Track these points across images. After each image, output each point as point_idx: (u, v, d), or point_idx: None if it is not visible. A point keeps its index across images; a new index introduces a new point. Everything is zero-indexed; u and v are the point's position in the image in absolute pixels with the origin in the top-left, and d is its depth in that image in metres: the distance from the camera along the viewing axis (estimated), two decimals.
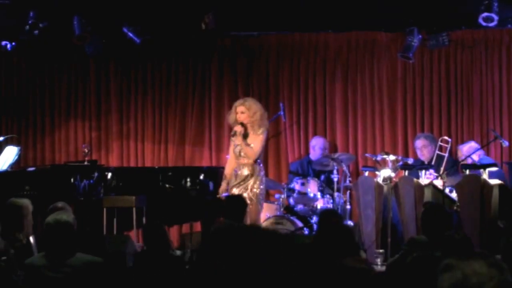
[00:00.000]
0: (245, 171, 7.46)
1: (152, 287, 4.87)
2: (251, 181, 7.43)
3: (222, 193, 7.61)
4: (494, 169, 7.62)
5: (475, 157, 8.21)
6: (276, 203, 8.53)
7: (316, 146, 9.05)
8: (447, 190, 7.50)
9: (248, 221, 7.57)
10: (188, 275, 4.86)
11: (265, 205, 8.42)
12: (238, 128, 7.48)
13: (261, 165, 7.61)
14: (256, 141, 7.47)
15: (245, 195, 7.30)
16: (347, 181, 8.48)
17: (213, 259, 4.54)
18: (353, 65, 9.48)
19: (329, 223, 4.97)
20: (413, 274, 3.63)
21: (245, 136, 7.49)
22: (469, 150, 8.31)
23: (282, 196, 8.47)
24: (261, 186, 7.50)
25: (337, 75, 9.47)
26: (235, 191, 7.39)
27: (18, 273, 4.67)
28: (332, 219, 5.05)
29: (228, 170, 7.67)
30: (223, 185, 7.68)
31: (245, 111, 7.50)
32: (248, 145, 7.45)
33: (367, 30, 9.34)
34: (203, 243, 5.97)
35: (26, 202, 5.82)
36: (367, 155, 8.97)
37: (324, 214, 5.52)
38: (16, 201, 5.83)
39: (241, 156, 7.50)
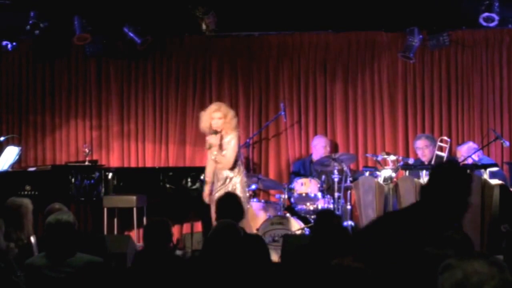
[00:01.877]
0: (224, 174, 7.39)
1: (151, 285, 4.86)
2: (230, 184, 7.36)
3: (207, 198, 7.51)
4: (494, 169, 7.62)
5: (475, 158, 8.20)
6: (277, 203, 8.52)
7: (318, 145, 9.05)
8: None
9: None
10: (188, 274, 4.87)
11: (265, 205, 8.42)
12: (214, 140, 7.41)
13: (241, 165, 7.50)
14: (229, 148, 7.36)
15: None
16: (348, 181, 8.48)
17: (214, 258, 4.55)
18: (354, 65, 9.48)
19: (325, 223, 4.97)
20: (419, 271, 3.63)
21: (220, 146, 7.41)
22: (468, 151, 8.31)
23: (283, 196, 8.47)
24: (242, 188, 7.37)
25: (338, 75, 9.48)
26: (220, 193, 7.30)
27: (18, 273, 4.67)
28: (328, 219, 5.04)
29: (209, 174, 7.55)
30: (207, 190, 7.55)
31: (222, 117, 7.38)
32: (222, 155, 7.36)
33: (368, 30, 9.34)
34: (205, 243, 5.95)
35: (25, 201, 5.83)
36: (367, 155, 8.98)
37: (320, 214, 5.52)
38: (15, 200, 5.84)
39: (218, 162, 7.45)
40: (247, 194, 7.73)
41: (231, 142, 7.35)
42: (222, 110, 7.42)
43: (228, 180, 7.35)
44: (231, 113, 7.46)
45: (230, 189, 7.25)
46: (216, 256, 4.61)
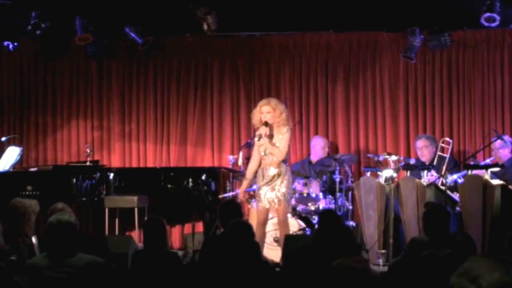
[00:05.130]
0: (271, 171, 7.34)
1: (150, 285, 4.87)
2: (278, 181, 7.32)
3: (242, 194, 7.46)
4: (496, 169, 7.61)
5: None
6: None
7: (316, 146, 9.07)
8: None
9: (277, 220, 7.58)
10: (186, 273, 4.87)
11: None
12: (263, 130, 7.32)
13: (287, 164, 7.50)
14: (282, 141, 7.33)
15: (272, 195, 7.29)
16: (349, 182, 8.48)
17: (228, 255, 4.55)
18: (355, 66, 9.47)
19: (327, 223, 4.96)
20: (422, 272, 3.63)
21: (270, 136, 7.34)
22: None
23: (292, 196, 8.45)
24: (289, 186, 7.40)
25: (339, 76, 9.48)
26: (264, 190, 7.32)
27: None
28: (330, 219, 5.03)
29: (250, 171, 7.51)
30: (245, 184, 7.54)
31: (270, 111, 7.34)
32: (274, 145, 7.32)
33: (369, 30, 9.33)
34: (205, 243, 5.96)
35: (26, 203, 5.81)
36: (369, 155, 8.97)
37: (323, 214, 5.52)
38: (17, 202, 5.83)
39: (266, 156, 7.38)
40: (292, 193, 7.76)
41: (285, 135, 7.34)
42: (271, 104, 7.42)
43: (276, 177, 7.32)
44: (280, 107, 7.45)
45: (278, 186, 7.29)
46: (231, 254, 4.61)
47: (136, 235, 8.78)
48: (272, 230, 7.96)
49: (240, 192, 7.57)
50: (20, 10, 8.74)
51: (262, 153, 7.39)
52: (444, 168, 8.06)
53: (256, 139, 7.40)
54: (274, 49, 9.65)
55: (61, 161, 9.68)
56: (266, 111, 7.37)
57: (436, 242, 5.01)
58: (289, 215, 8.25)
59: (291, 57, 9.62)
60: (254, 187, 8.53)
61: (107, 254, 5.79)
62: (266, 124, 7.32)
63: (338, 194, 8.36)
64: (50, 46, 9.65)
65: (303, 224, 8.11)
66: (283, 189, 7.30)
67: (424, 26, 8.96)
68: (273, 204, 7.32)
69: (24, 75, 10.01)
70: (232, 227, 4.88)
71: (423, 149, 8.48)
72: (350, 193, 8.63)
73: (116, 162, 9.71)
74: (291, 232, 7.77)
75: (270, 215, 8.19)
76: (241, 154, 8.46)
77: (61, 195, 7.70)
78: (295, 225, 8.05)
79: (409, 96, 9.31)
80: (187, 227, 9.52)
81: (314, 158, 9.04)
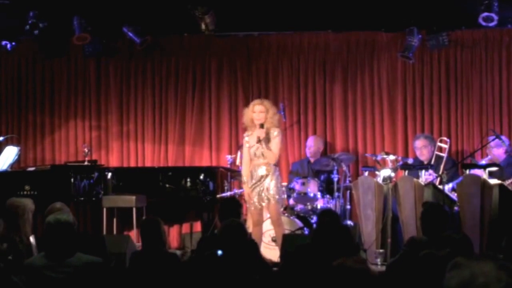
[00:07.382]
0: (260, 172, 7.34)
1: (148, 285, 4.87)
2: (267, 181, 7.32)
3: (249, 197, 7.37)
4: (494, 168, 7.62)
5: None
6: None
7: (309, 145, 9.11)
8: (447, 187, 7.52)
9: (270, 220, 7.57)
10: (184, 273, 4.87)
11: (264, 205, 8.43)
12: (262, 134, 7.26)
13: (276, 164, 7.48)
14: (274, 143, 7.31)
15: (262, 195, 7.29)
16: (347, 181, 8.49)
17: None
18: (353, 65, 9.48)
19: (326, 223, 4.97)
20: (420, 272, 3.63)
21: (267, 139, 7.28)
22: None
23: (283, 196, 8.46)
24: (278, 186, 7.37)
25: (337, 75, 9.48)
26: (254, 191, 7.31)
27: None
28: (328, 219, 5.04)
29: (246, 172, 7.45)
30: (246, 189, 7.45)
31: (263, 111, 7.31)
32: (269, 148, 7.26)
33: (367, 30, 9.34)
34: (201, 242, 5.95)
35: (23, 202, 5.81)
36: (367, 155, 8.98)
37: (322, 214, 5.52)
38: (14, 201, 5.83)
39: (256, 157, 7.36)
40: (283, 195, 7.73)
41: (276, 137, 7.32)
42: (265, 105, 7.40)
43: (264, 177, 7.31)
44: (273, 109, 7.45)
45: (267, 186, 7.28)
46: (226, 253, 4.62)
47: (134, 234, 8.77)
48: (270, 229, 7.96)
49: (247, 197, 7.45)
50: (18, 9, 8.73)
51: (253, 154, 7.37)
52: (441, 167, 8.06)
53: (257, 140, 7.29)
54: (272, 49, 9.65)
55: (59, 161, 9.67)
56: (259, 110, 7.35)
57: (434, 242, 5.00)
58: (287, 214, 8.28)
59: (289, 57, 9.62)
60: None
61: (105, 253, 5.79)
62: (262, 126, 7.30)
63: (336, 194, 8.37)
64: (48, 45, 9.64)
65: (301, 224, 8.10)
66: (273, 189, 7.31)
67: (422, 26, 8.97)
68: (264, 205, 7.33)
69: (22, 74, 10.00)
70: (223, 228, 4.88)
71: (422, 149, 8.48)
72: (348, 192, 8.64)
73: (114, 162, 9.71)
74: (287, 231, 7.77)
75: (267, 214, 8.20)
76: (239, 153, 8.47)
77: (59, 195, 7.71)
78: (293, 224, 8.04)
79: (407, 96, 9.32)
80: (185, 227, 9.52)
81: (310, 158, 9.05)
